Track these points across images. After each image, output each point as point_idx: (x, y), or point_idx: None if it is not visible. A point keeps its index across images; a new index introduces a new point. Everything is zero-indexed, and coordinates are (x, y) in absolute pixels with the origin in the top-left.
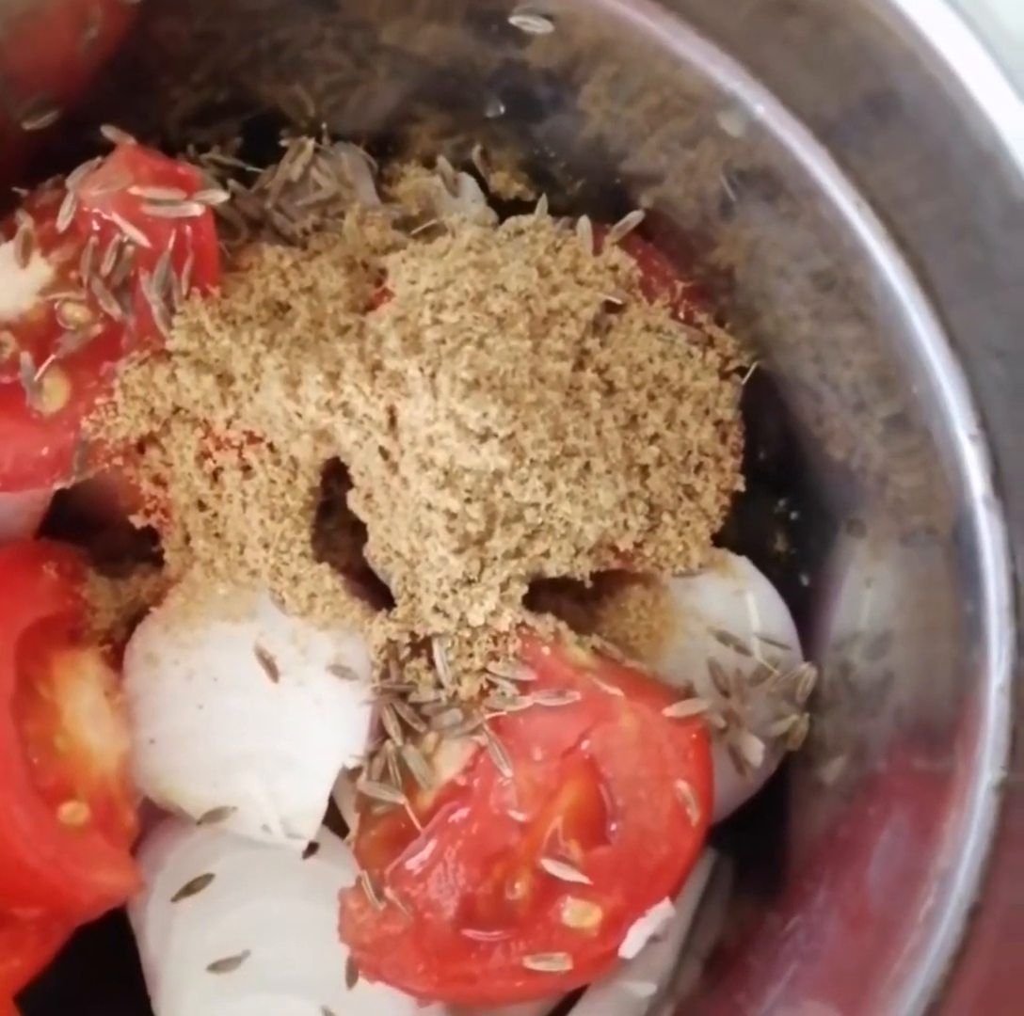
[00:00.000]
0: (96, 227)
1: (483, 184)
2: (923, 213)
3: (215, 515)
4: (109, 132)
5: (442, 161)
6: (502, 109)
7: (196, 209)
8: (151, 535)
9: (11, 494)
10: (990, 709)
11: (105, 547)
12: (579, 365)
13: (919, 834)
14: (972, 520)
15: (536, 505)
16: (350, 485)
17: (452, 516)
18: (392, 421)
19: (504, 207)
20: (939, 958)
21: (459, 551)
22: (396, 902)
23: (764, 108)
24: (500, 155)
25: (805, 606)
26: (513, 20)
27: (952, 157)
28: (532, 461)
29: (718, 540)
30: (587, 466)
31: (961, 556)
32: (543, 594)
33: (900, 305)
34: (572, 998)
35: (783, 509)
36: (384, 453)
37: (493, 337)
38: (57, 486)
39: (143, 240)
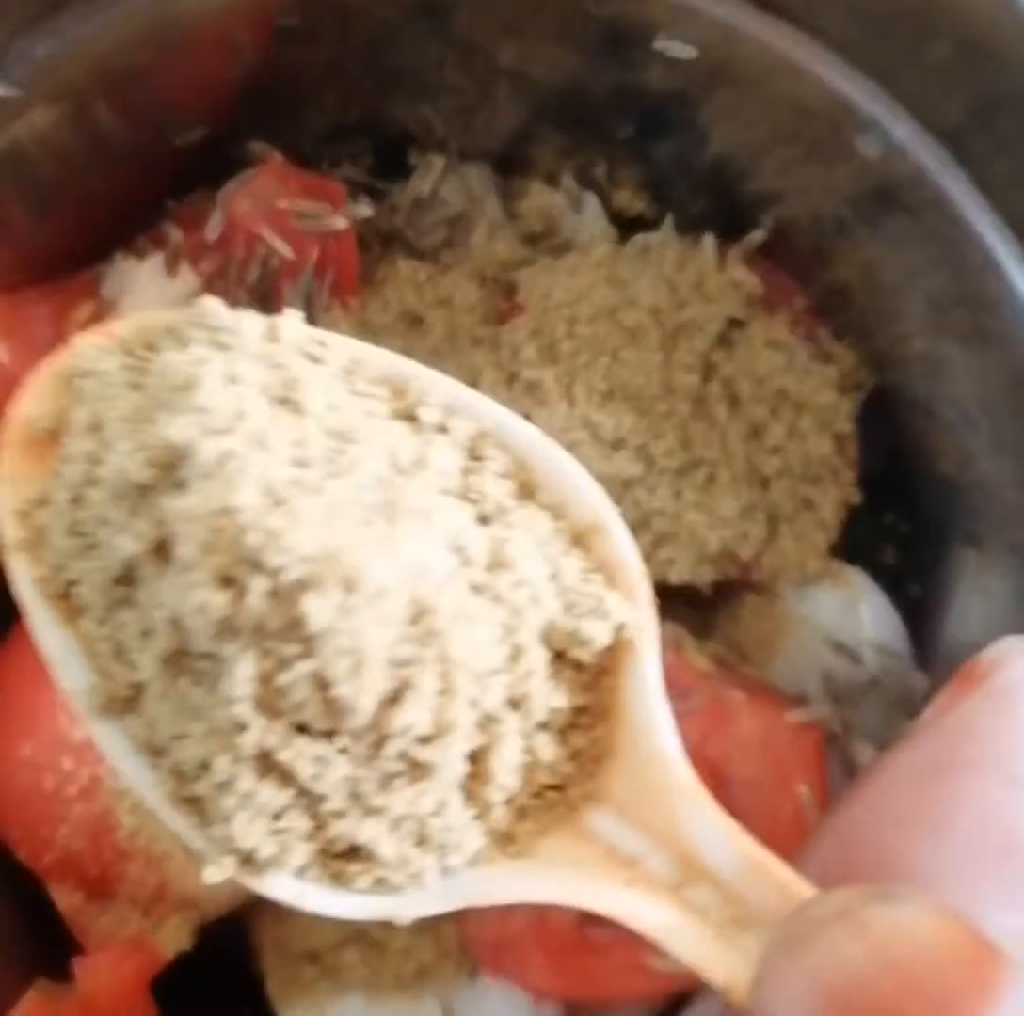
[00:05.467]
0: (243, 239)
1: (605, 201)
2: None
3: None
4: (258, 147)
5: (567, 179)
6: (627, 130)
7: (341, 223)
8: None
9: None
10: None
11: None
12: (705, 378)
13: None
14: None
15: (663, 512)
16: None
17: None
18: None
19: (624, 224)
20: None
21: None
22: None
23: (903, 130)
24: (623, 174)
25: (916, 616)
26: (658, 45)
27: None
28: (661, 470)
29: (831, 551)
30: (712, 476)
31: None
32: (661, 602)
33: None
34: (680, 1001)
35: (893, 522)
36: None
37: (626, 350)
38: None
39: (288, 252)
